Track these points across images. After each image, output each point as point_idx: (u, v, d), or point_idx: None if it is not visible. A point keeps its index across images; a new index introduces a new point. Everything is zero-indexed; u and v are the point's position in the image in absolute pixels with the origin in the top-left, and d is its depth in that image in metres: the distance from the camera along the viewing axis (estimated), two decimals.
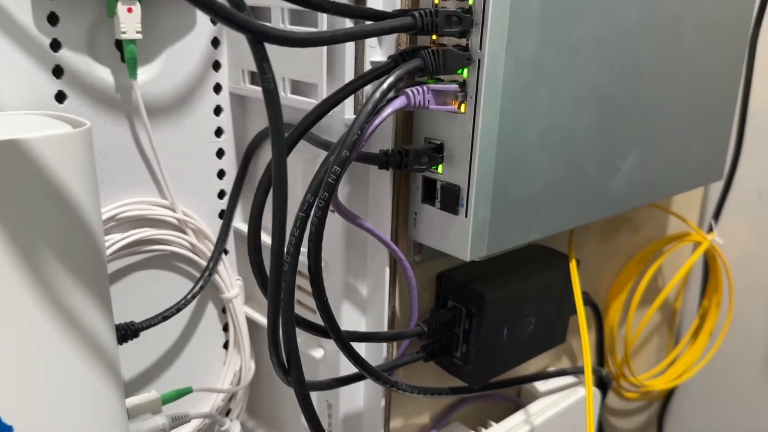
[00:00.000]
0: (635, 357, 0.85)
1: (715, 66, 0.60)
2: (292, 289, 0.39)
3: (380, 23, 0.38)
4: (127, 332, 0.49)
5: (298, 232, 0.39)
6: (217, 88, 0.54)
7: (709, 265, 0.83)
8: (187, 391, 0.53)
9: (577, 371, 0.65)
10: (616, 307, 0.75)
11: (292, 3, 0.34)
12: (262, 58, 0.32)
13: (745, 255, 0.84)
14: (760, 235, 0.83)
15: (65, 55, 0.45)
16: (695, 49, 0.56)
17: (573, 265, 0.56)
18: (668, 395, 0.97)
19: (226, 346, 0.61)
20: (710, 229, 0.81)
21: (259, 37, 0.31)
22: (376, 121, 0.39)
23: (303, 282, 0.47)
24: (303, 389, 0.40)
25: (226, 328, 0.61)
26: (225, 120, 0.56)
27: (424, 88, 0.41)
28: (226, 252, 0.57)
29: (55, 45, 0.45)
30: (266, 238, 0.49)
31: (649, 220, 0.76)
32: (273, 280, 0.37)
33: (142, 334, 0.50)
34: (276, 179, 0.35)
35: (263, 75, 0.32)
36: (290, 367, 0.40)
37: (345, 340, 0.42)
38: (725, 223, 0.83)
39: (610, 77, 0.49)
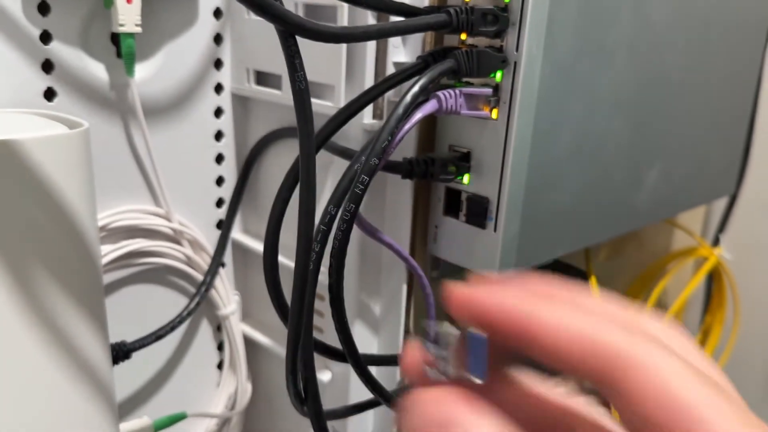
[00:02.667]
0: None
1: (733, 75, 0.58)
2: (311, 311, 0.35)
3: (414, 19, 0.35)
4: (118, 353, 0.45)
5: (319, 248, 0.35)
6: (219, 88, 0.50)
7: (713, 280, 0.81)
8: (180, 417, 0.49)
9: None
10: None
11: None
12: (293, 54, 0.28)
13: (749, 269, 0.82)
14: (766, 248, 0.81)
15: (56, 49, 0.41)
16: (718, 58, 0.54)
17: (593, 282, 0.53)
18: None
19: (220, 366, 0.57)
20: (716, 242, 0.79)
21: (293, 30, 0.28)
22: (406, 127, 0.36)
23: None
24: (321, 421, 0.37)
25: (220, 347, 0.57)
26: (226, 123, 0.51)
27: (456, 91, 0.38)
28: (223, 265, 0.53)
29: (46, 37, 0.41)
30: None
31: (655, 235, 0.74)
32: (296, 303, 0.33)
33: (133, 354, 0.46)
34: (303, 189, 0.31)
35: (294, 73, 0.29)
36: (308, 397, 0.36)
37: (364, 366, 0.39)
38: (729, 236, 0.81)
39: (640, 83, 0.46)
